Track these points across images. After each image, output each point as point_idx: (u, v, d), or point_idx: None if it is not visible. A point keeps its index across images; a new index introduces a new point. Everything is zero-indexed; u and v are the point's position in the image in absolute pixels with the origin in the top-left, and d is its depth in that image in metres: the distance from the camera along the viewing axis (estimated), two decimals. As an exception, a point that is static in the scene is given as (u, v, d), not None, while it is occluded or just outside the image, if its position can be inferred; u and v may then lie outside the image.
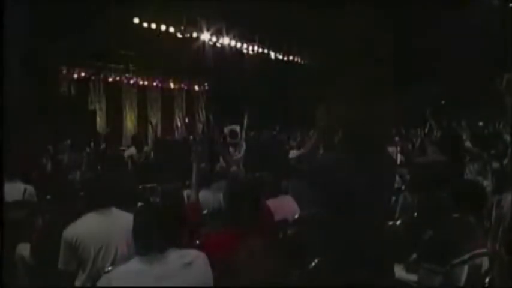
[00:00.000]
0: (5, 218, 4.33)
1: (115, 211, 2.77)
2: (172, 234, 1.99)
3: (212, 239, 2.34)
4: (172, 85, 16.49)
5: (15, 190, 4.79)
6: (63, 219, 3.00)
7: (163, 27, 11.83)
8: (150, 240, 1.88)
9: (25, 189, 4.87)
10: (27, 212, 4.74)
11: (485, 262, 2.11)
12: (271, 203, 3.57)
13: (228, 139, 5.48)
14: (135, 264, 1.86)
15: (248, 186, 2.43)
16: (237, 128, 5.70)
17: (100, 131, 13.66)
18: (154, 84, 15.94)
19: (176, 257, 1.88)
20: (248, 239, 2.25)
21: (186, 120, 15.99)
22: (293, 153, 8.42)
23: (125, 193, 3.41)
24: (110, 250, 2.55)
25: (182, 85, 16.83)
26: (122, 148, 12.22)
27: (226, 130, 5.65)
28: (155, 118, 16.10)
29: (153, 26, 11.67)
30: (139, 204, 3.92)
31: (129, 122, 15.50)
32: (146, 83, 15.66)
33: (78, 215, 2.86)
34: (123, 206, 3.35)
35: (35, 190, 5.02)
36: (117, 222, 2.65)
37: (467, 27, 12.77)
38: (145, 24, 11.51)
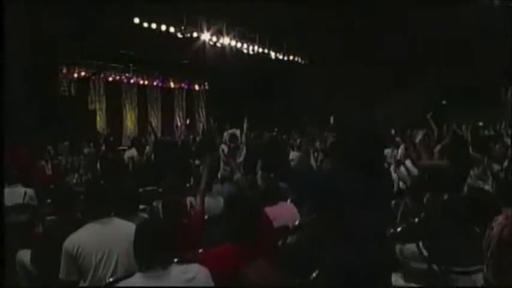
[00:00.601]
0: (6, 221, 4.38)
1: (116, 220, 2.77)
2: (174, 250, 1.98)
3: (213, 252, 2.33)
4: (172, 84, 16.51)
5: (15, 194, 4.79)
6: (64, 227, 3.00)
7: (163, 27, 11.79)
8: (152, 258, 1.87)
9: (25, 193, 4.88)
10: (28, 216, 4.75)
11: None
12: (271, 210, 3.56)
13: (228, 143, 5.46)
14: (137, 280, 1.85)
15: (247, 201, 2.43)
16: (237, 132, 5.67)
17: (100, 130, 13.67)
18: (155, 83, 15.96)
19: (178, 273, 1.88)
20: (248, 253, 2.25)
21: (187, 121, 16.00)
22: (293, 155, 8.41)
23: (126, 200, 3.38)
24: (111, 259, 2.55)
25: (182, 84, 16.84)
26: (122, 148, 12.23)
27: (226, 134, 5.61)
28: (155, 117, 16.11)
29: (153, 26, 11.63)
30: (141, 211, 3.93)
31: (129, 122, 15.52)
32: (146, 82, 15.68)
33: (78, 222, 2.86)
34: (124, 213, 3.36)
35: (35, 193, 5.01)
36: (118, 231, 2.65)
37: (467, 27, 12.73)
38: (145, 24, 11.47)
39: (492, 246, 2.10)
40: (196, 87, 17.40)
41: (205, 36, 12.48)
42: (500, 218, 2.15)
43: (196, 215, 3.03)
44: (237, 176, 2.82)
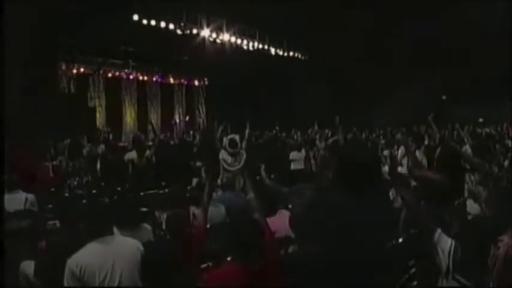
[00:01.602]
0: (8, 227, 4.39)
1: (118, 238, 2.78)
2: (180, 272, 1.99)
3: (216, 272, 2.35)
4: (171, 80, 16.46)
5: (16, 200, 4.79)
6: (67, 241, 3.02)
7: (163, 24, 11.73)
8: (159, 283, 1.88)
9: (26, 199, 4.87)
10: (29, 221, 4.76)
11: None
12: (271, 221, 3.55)
13: (228, 149, 5.43)
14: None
15: (253, 222, 2.43)
16: (237, 137, 5.64)
17: (100, 127, 13.65)
18: (154, 79, 15.91)
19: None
20: (251, 270, 2.26)
21: (187, 118, 15.97)
22: (293, 155, 8.41)
23: (127, 213, 3.39)
24: (115, 277, 2.56)
25: (182, 80, 16.79)
26: (122, 145, 12.22)
27: (225, 140, 5.58)
28: (155, 113, 16.09)
29: (153, 22, 11.56)
30: (143, 215, 3.92)
31: (129, 118, 15.51)
32: (146, 78, 15.64)
33: (81, 236, 2.86)
34: (127, 225, 3.38)
35: (35, 198, 5.01)
36: (121, 248, 2.67)
37: (469, 24, 12.67)
38: (144, 21, 11.40)
39: (498, 265, 2.14)
40: (196, 83, 17.35)
41: (205, 32, 12.42)
42: (506, 239, 2.19)
43: (199, 230, 3.01)
44: (250, 196, 2.80)
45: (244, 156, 5.44)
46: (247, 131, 6.43)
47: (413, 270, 3.44)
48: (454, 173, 3.74)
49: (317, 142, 9.45)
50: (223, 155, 5.46)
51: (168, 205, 3.80)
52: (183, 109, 16.92)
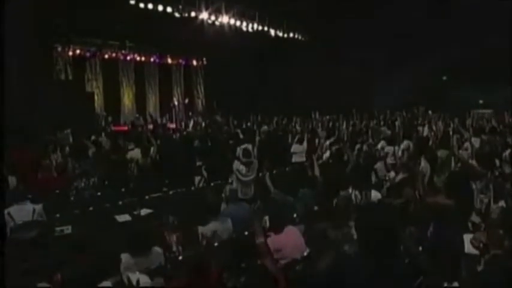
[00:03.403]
0: (16, 238, 4.46)
1: (129, 275, 2.85)
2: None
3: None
4: (169, 61, 16.20)
5: (24, 211, 4.83)
6: (81, 276, 3.08)
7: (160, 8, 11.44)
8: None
9: (34, 210, 4.90)
10: (38, 231, 4.81)
11: None
12: (277, 239, 3.60)
13: (242, 159, 5.40)
14: None
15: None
16: (250, 147, 5.60)
17: (98, 111, 13.55)
18: (152, 60, 15.66)
19: None
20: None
21: (186, 101, 15.84)
22: (295, 148, 8.41)
23: (138, 241, 3.45)
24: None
25: (180, 60, 16.53)
26: (121, 128, 12.20)
27: (239, 150, 5.53)
28: (153, 95, 15.95)
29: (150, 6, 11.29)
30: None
31: (127, 100, 15.37)
32: (143, 59, 15.38)
33: (94, 269, 2.94)
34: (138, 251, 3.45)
35: (43, 208, 5.03)
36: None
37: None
38: (141, 5, 11.13)
39: None
40: (194, 62, 17.10)
41: (204, 15, 12.15)
42: None
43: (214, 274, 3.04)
44: (259, 240, 2.84)
45: (257, 165, 5.46)
46: (257, 139, 6.38)
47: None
48: (464, 197, 3.80)
49: (318, 130, 9.50)
50: (237, 165, 5.46)
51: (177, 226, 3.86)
52: (182, 89, 16.76)
